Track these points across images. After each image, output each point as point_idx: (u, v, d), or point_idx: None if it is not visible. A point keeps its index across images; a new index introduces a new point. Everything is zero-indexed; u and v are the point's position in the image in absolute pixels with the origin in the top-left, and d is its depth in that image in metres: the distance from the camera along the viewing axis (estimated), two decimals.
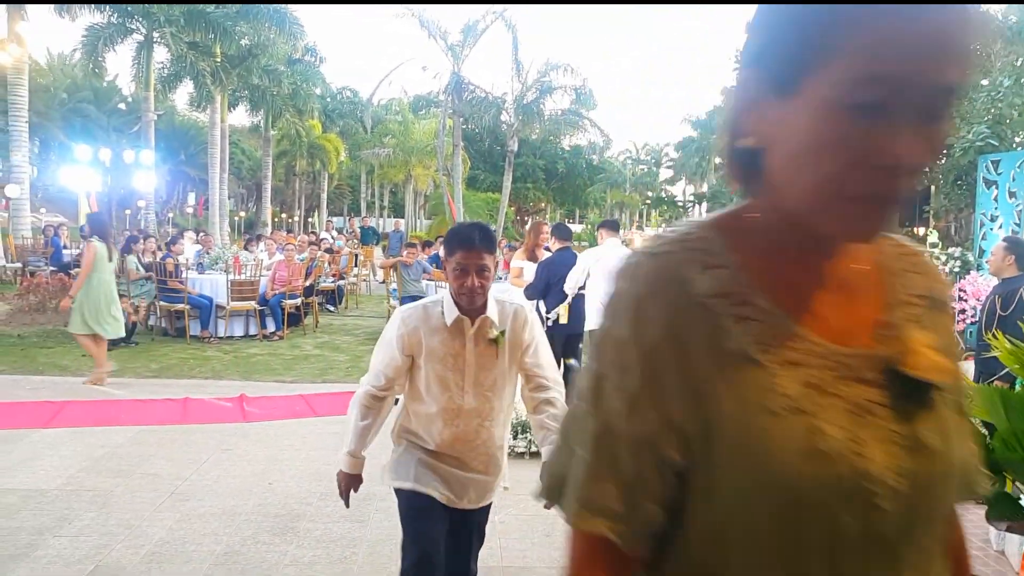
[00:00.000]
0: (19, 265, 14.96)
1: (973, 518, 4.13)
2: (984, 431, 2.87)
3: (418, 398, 2.35)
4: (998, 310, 4.19)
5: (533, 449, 4.85)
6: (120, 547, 3.56)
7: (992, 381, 3.32)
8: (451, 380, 2.30)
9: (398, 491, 2.40)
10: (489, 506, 2.56)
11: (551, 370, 2.48)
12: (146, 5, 20.45)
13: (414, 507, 2.36)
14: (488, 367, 2.32)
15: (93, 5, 20.05)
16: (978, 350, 4.54)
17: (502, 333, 2.33)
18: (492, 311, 2.33)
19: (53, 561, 3.40)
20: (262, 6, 21.90)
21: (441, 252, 2.39)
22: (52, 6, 19.44)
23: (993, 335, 3.02)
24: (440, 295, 2.37)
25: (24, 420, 5.64)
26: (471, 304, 2.28)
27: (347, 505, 2.52)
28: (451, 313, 2.29)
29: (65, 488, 4.30)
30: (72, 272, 13.66)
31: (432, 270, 10.34)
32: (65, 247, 15.54)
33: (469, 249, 2.23)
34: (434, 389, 2.31)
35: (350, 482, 2.47)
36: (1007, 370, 3.14)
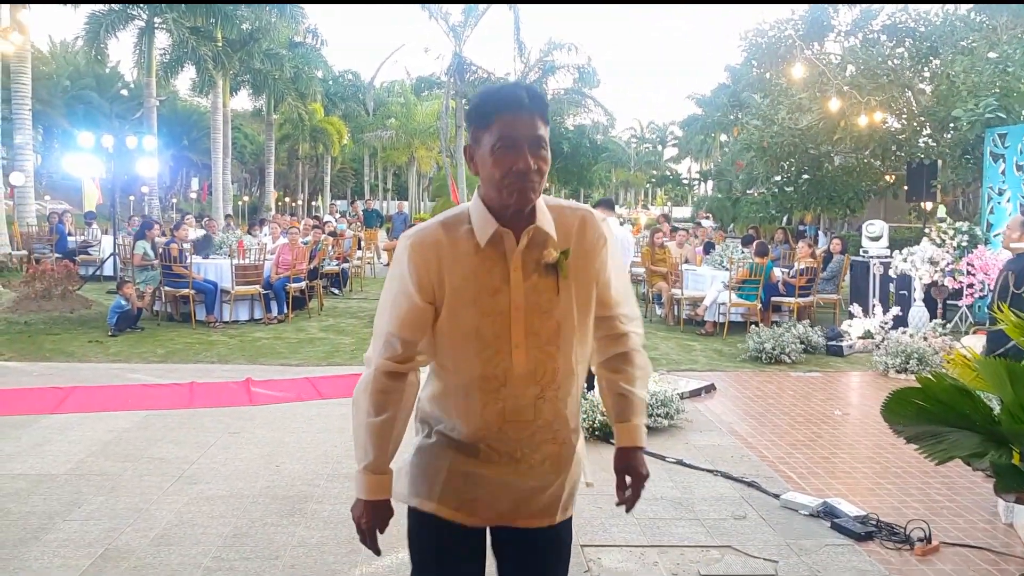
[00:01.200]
0: (24, 252, 15.00)
1: (982, 492, 4.14)
2: (991, 405, 2.84)
3: (443, 364, 1.61)
4: (1011, 287, 4.14)
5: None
6: (129, 530, 3.58)
7: (1000, 354, 3.29)
8: (490, 331, 1.53)
9: (412, 510, 1.68)
10: (568, 523, 1.74)
11: (629, 303, 1.73)
12: None
13: (435, 542, 1.66)
14: (546, 307, 1.55)
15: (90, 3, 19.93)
16: (991, 324, 4.50)
17: (564, 253, 1.55)
18: (545, 219, 1.55)
19: (64, 545, 3.42)
20: None
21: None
22: None
23: (999, 308, 2.98)
24: (461, 206, 1.61)
25: (32, 406, 5.67)
26: (522, 203, 1.50)
27: (377, 552, 1.69)
28: (485, 227, 1.52)
29: (74, 473, 4.32)
30: (77, 259, 13.73)
31: None
32: (70, 234, 15.56)
33: (517, 111, 1.48)
34: (466, 347, 1.55)
35: (375, 517, 1.64)
36: (1013, 343, 3.11)
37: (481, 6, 24.89)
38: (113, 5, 20.64)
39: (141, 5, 20.98)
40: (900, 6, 13.95)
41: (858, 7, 14.31)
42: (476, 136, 1.53)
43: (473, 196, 1.58)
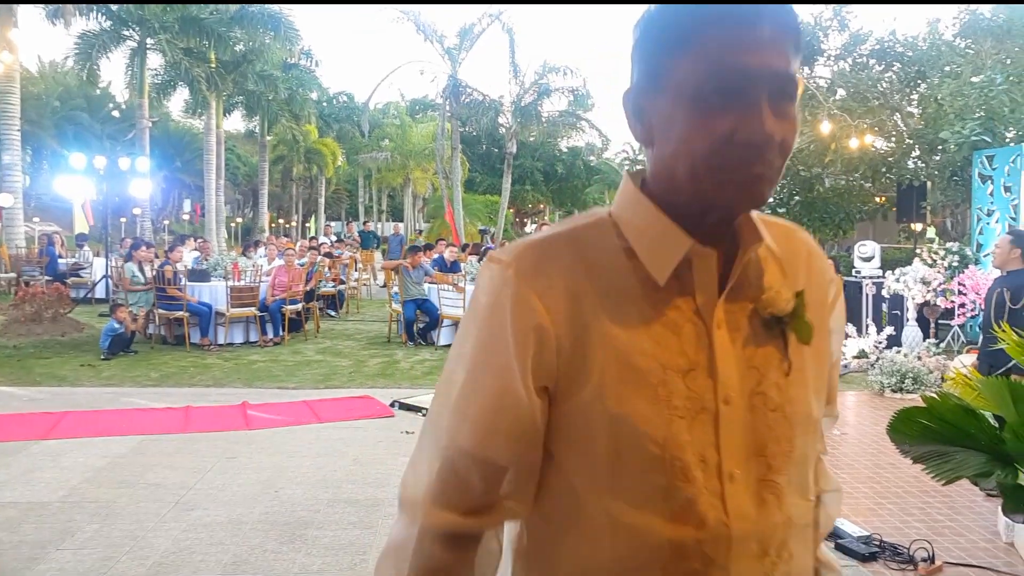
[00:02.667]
0: (13, 275, 14.89)
1: (982, 511, 4.14)
2: (995, 424, 2.86)
3: (566, 525, 0.83)
4: (1007, 303, 4.20)
5: None
6: (125, 559, 3.52)
7: (1002, 373, 3.31)
8: (689, 448, 0.79)
9: None
10: None
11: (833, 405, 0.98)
12: (140, 12, 20.43)
13: None
14: (774, 400, 0.83)
15: (86, 12, 20.02)
16: (985, 343, 4.54)
17: (799, 296, 0.85)
18: (767, 236, 0.86)
19: (57, 574, 3.36)
20: (256, 11, 21.89)
21: (635, 76, 0.84)
22: (44, 13, 19.41)
23: (1001, 327, 3.01)
24: (593, 210, 0.89)
25: (22, 432, 5.59)
26: (745, 202, 0.79)
27: None
28: (666, 245, 0.82)
29: (67, 500, 4.26)
30: (68, 281, 13.64)
31: (434, 272, 10.31)
32: (60, 256, 15.47)
33: (750, 26, 0.76)
34: (637, 482, 0.79)
35: None
36: (1014, 362, 3.13)
37: (476, 28, 25.13)
38: (104, 22, 20.68)
39: (134, 27, 21.06)
40: (888, 31, 14.19)
41: (847, 31, 14.53)
42: (657, 70, 0.80)
43: (623, 186, 0.86)
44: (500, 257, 0.83)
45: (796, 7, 0.81)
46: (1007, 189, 9.94)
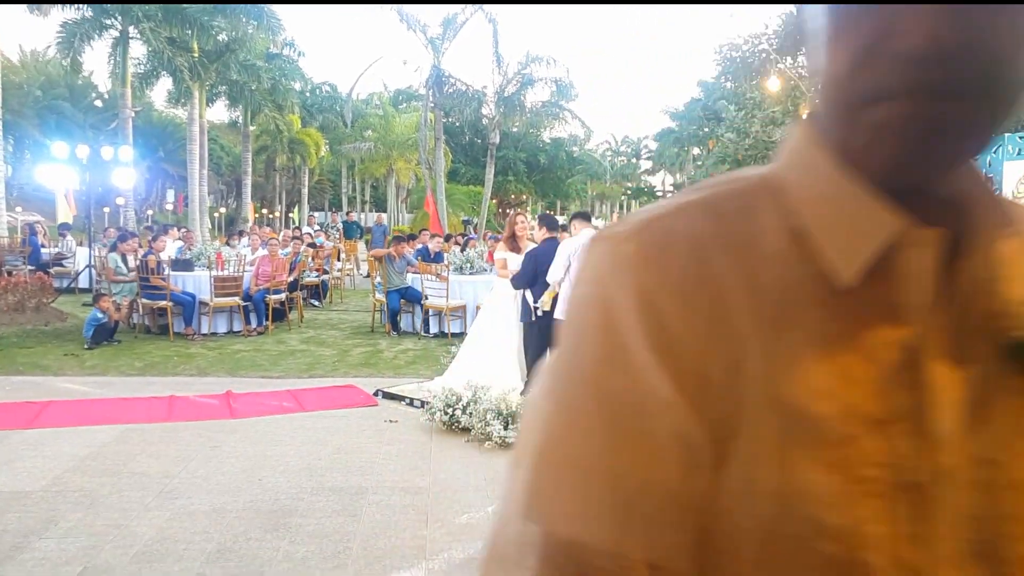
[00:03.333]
0: None
1: None
2: None
3: None
4: None
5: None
6: (109, 547, 3.52)
7: None
8: (865, 531, 0.48)
9: None
10: None
11: None
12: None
13: None
14: (1019, 473, 0.50)
15: (69, 3, 19.76)
16: None
17: None
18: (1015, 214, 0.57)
19: (40, 563, 3.35)
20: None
21: None
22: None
23: None
24: (739, 175, 0.59)
25: (5, 421, 5.55)
26: (910, 151, 0.48)
27: None
28: (859, 228, 0.51)
29: (50, 489, 4.24)
30: (51, 271, 13.49)
31: (416, 262, 10.31)
32: (43, 246, 15.32)
33: None
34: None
35: None
36: None
37: (460, 18, 25.01)
38: (86, 13, 20.42)
39: (116, 16, 20.80)
40: None
41: None
42: None
43: (795, 134, 0.59)
44: (612, 232, 0.55)
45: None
46: (988, 179, 10.08)
